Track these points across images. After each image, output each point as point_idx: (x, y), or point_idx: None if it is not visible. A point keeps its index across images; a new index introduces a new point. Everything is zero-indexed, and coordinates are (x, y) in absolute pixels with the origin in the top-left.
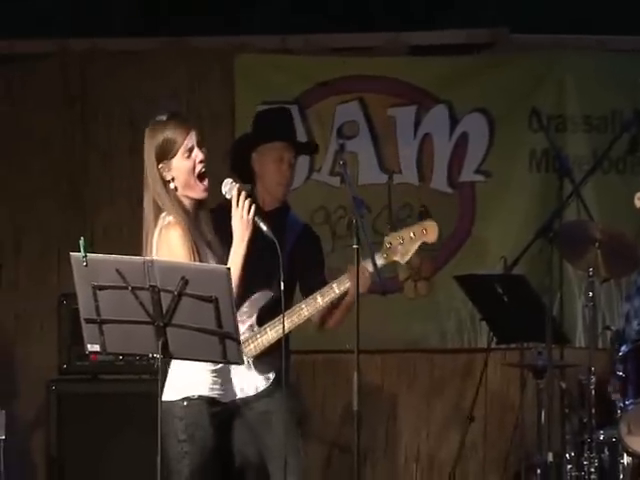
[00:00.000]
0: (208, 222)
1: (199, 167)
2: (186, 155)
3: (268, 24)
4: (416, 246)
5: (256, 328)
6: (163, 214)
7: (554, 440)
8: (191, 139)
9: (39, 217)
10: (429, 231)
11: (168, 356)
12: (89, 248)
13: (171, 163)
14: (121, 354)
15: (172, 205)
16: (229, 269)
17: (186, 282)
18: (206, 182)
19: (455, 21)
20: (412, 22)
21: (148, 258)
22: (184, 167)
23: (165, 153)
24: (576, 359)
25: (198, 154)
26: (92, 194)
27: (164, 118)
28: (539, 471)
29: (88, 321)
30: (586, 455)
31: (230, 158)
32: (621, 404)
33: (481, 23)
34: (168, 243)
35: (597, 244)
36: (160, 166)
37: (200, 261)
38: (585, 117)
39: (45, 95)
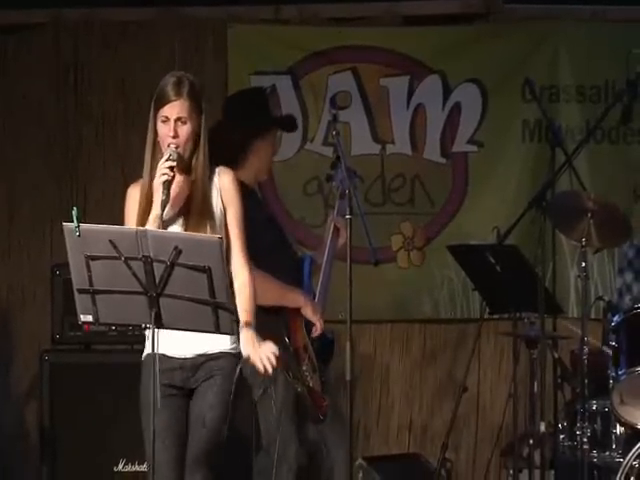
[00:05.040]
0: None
1: (168, 140)
2: (162, 120)
3: None
4: None
5: None
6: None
7: (547, 410)
8: (172, 109)
9: (32, 187)
10: None
11: (161, 326)
12: (82, 218)
13: (157, 115)
14: (114, 324)
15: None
16: (221, 239)
17: (179, 252)
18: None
19: None
20: None
21: (141, 228)
22: (159, 129)
23: (155, 102)
24: (569, 330)
25: (170, 130)
26: (85, 164)
27: (175, 76)
28: (532, 441)
29: (81, 291)
30: (579, 425)
31: (227, 136)
32: (613, 374)
33: None
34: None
35: (589, 214)
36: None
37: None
38: (578, 87)
39: (39, 65)
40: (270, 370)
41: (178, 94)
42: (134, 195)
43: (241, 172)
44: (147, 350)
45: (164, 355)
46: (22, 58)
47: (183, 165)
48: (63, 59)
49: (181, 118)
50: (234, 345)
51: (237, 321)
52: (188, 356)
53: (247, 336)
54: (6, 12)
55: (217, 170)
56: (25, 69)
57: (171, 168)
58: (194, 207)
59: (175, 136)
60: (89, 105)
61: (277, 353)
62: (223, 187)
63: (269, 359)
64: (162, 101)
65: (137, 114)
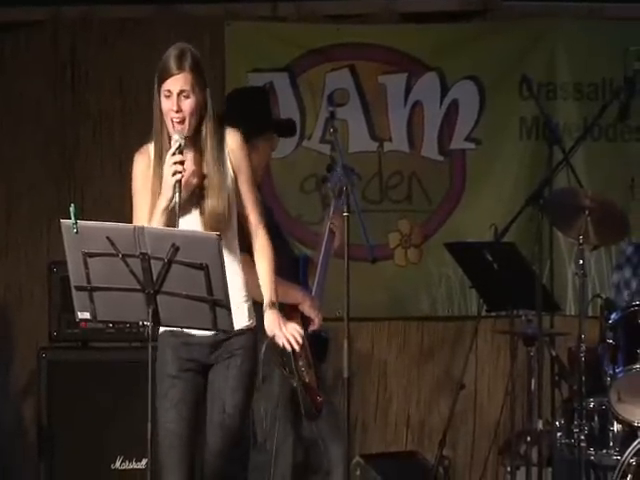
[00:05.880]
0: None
1: (171, 114)
2: (165, 94)
3: None
4: None
5: None
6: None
7: (544, 407)
8: (175, 83)
9: (29, 186)
10: None
11: (158, 324)
12: (79, 215)
13: (160, 90)
14: (111, 322)
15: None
16: (219, 235)
17: (177, 249)
18: (180, 128)
19: None
20: None
21: (139, 225)
22: (163, 104)
23: (158, 76)
24: (566, 327)
25: (173, 104)
26: (82, 163)
27: (177, 49)
28: (529, 438)
29: (78, 289)
30: (576, 422)
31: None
32: (611, 372)
33: None
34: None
35: (587, 211)
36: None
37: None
38: (576, 85)
39: (37, 63)
40: (297, 348)
41: (180, 67)
42: (141, 166)
43: None
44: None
45: (182, 332)
46: (20, 56)
47: (190, 142)
48: (61, 57)
49: (184, 91)
50: (251, 321)
51: (256, 304)
52: (207, 334)
53: (272, 316)
54: (4, 9)
55: (226, 132)
56: (23, 67)
57: (181, 163)
58: (209, 189)
59: (178, 110)
60: (87, 103)
61: (302, 332)
62: (232, 149)
63: (294, 337)
64: (164, 75)
65: (135, 112)
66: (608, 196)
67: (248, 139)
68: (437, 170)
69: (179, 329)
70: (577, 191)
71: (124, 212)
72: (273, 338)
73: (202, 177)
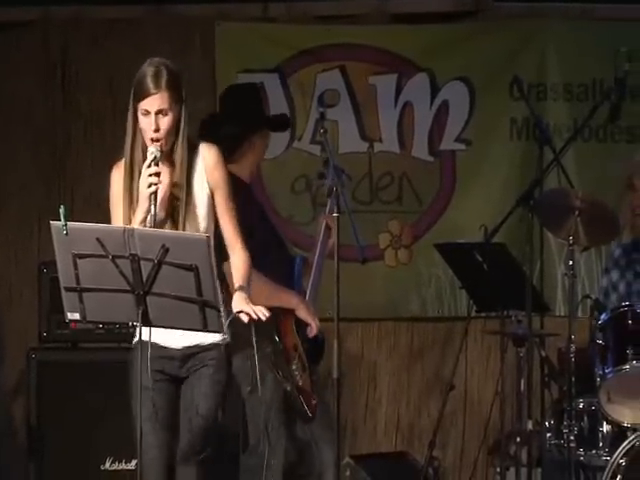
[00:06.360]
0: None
1: (149, 134)
2: (142, 112)
3: None
4: None
5: None
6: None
7: (534, 408)
8: (153, 102)
9: (20, 186)
10: None
11: (148, 324)
12: (69, 217)
13: (137, 107)
14: (101, 322)
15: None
16: (209, 237)
17: (166, 250)
18: (158, 144)
19: None
20: None
21: (129, 227)
22: (141, 121)
23: (134, 94)
24: (556, 328)
25: (151, 123)
26: (73, 163)
27: (152, 66)
28: (519, 439)
29: (68, 289)
30: (566, 423)
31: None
32: (600, 372)
33: None
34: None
35: (577, 212)
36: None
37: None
38: (566, 85)
39: (27, 63)
40: (263, 317)
41: (157, 86)
42: (117, 179)
43: (237, 167)
44: (138, 337)
45: (157, 344)
46: (10, 56)
47: (165, 156)
48: (52, 57)
49: (162, 110)
50: (226, 336)
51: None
52: (180, 347)
53: (240, 295)
54: None
55: (200, 149)
56: (13, 67)
57: (157, 174)
58: (184, 202)
59: (157, 129)
60: (77, 103)
61: (267, 314)
62: (208, 166)
63: (261, 311)
64: (141, 94)
65: (125, 112)
66: (598, 197)
67: (245, 138)
68: (427, 171)
69: (154, 341)
70: (567, 192)
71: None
72: (239, 314)
73: (177, 190)
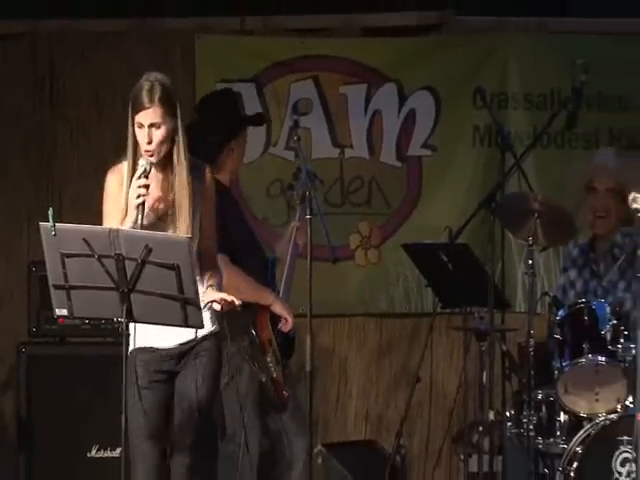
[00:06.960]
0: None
1: (143, 146)
2: (137, 125)
3: (228, 6)
4: None
5: None
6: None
7: (495, 399)
8: (146, 116)
9: (10, 188)
10: None
11: (132, 320)
12: (57, 217)
13: (134, 119)
14: (88, 318)
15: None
16: (190, 238)
17: (150, 250)
18: (150, 155)
19: (409, 5)
20: (365, 5)
21: (114, 227)
22: (137, 134)
23: (131, 107)
24: (516, 323)
25: (145, 136)
26: (60, 166)
27: (148, 81)
28: (481, 428)
29: (56, 287)
30: (525, 413)
31: (210, 137)
32: (558, 365)
33: (430, 6)
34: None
35: (536, 214)
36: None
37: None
38: (526, 95)
39: (16, 75)
40: (236, 302)
41: (151, 101)
42: (113, 182)
43: (219, 172)
44: (132, 345)
45: (150, 348)
46: None
47: (160, 168)
48: (40, 69)
49: (155, 124)
50: (215, 326)
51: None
52: (175, 345)
53: (210, 290)
54: None
55: (205, 168)
56: (2, 78)
57: (145, 187)
58: (177, 213)
59: (149, 142)
60: (64, 114)
61: (238, 302)
62: (204, 185)
63: (232, 300)
64: (137, 107)
65: (110, 121)
66: (556, 200)
67: (226, 144)
68: (395, 175)
69: (148, 345)
70: (527, 195)
71: (100, 211)
72: (211, 303)
73: (170, 202)
